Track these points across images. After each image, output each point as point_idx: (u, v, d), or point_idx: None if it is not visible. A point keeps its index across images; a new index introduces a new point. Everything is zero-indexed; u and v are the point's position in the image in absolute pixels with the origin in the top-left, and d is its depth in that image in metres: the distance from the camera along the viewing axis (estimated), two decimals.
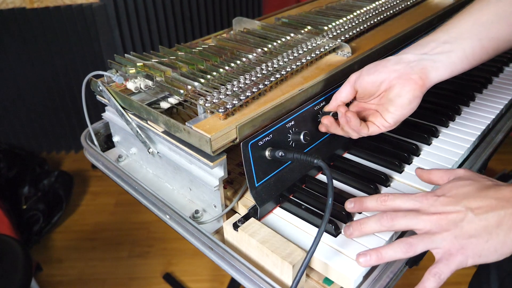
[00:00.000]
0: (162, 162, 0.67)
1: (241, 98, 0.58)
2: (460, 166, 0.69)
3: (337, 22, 0.86)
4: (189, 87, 0.62)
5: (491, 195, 0.47)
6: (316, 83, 0.66)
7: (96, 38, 1.88)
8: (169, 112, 0.70)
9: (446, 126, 0.76)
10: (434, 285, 0.47)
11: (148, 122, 0.64)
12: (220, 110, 0.56)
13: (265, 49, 0.74)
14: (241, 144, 0.55)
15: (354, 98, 0.65)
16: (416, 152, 0.69)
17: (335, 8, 0.99)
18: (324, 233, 0.54)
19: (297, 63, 0.68)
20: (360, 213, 0.58)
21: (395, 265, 0.52)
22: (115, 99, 0.67)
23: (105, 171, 0.73)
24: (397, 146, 0.70)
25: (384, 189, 0.62)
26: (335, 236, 0.54)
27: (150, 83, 0.66)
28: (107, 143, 0.82)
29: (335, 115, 0.64)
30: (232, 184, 0.65)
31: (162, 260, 1.69)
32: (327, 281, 0.52)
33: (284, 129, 0.60)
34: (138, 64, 0.69)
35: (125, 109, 0.67)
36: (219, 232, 0.61)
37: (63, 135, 2.18)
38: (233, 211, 0.63)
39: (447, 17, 0.97)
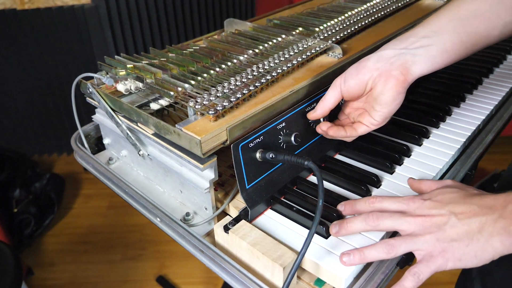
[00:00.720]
0: (153, 164, 0.67)
1: (232, 100, 0.58)
2: (450, 167, 0.69)
3: (329, 24, 0.86)
4: (180, 89, 0.61)
5: (475, 202, 0.48)
6: (307, 85, 0.66)
7: (88, 39, 1.87)
8: (160, 114, 0.70)
9: (437, 127, 0.76)
10: (413, 284, 0.48)
11: (138, 124, 0.63)
12: (210, 112, 0.55)
13: (256, 50, 0.74)
14: (231, 146, 0.55)
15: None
16: (407, 153, 0.69)
17: (326, 9, 0.99)
18: (315, 235, 0.54)
19: (288, 65, 0.68)
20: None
21: (386, 265, 0.52)
22: (105, 101, 0.66)
23: (96, 174, 0.72)
24: (388, 147, 0.70)
25: (375, 190, 0.62)
26: (326, 238, 0.54)
27: (140, 85, 0.66)
28: (98, 145, 0.81)
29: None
30: (223, 186, 0.65)
31: (155, 262, 1.69)
32: (319, 282, 0.52)
33: (275, 130, 0.60)
34: (128, 66, 0.68)
35: (115, 111, 0.66)
36: (210, 234, 0.61)
37: (55, 138, 2.16)
38: (224, 213, 0.62)
39: None
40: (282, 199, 0.61)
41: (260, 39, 0.79)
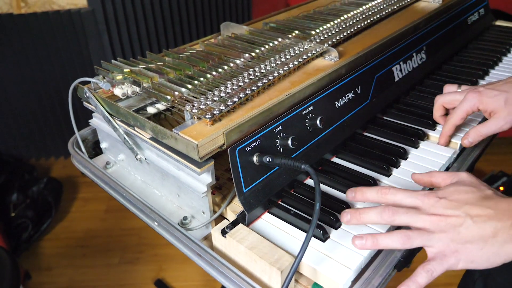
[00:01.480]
0: (150, 168, 0.67)
1: (228, 104, 0.58)
2: (447, 169, 0.70)
3: (325, 27, 0.86)
4: (176, 93, 0.61)
5: (491, 206, 0.49)
6: (303, 88, 0.66)
7: (85, 43, 1.86)
8: (157, 118, 0.70)
9: (434, 129, 0.77)
10: (425, 280, 0.49)
11: (135, 128, 0.63)
12: (207, 116, 0.55)
13: (253, 54, 0.74)
14: (228, 150, 0.55)
15: None
16: (404, 155, 0.69)
17: (322, 12, 0.99)
18: (313, 238, 0.54)
19: (285, 68, 0.68)
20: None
21: (384, 269, 0.52)
22: (102, 105, 0.66)
23: (93, 178, 0.72)
24: (385, 150, 0.70)
25: None
26: (324, 241, 0.54)
27: (137, 89, 0.66)
28: (95, 149, 0.81)
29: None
30: (220, 189, 0.65)
31: (153, 266, 1.68)
32: (316, 286, 0.52)
33: (272, 134, 0.60)
34: (125, 70, 0.68)
35: (112, 116, 0.66)
36: (207, 238, 0.61)
37: (52, 141, 2.16)
38: (221, 217, 0.62)
39: (433, 20, 0.98)
40: (280, 202, 0.61)
41: (257, 43, 0.80)
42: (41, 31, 1.82)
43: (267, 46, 0.77)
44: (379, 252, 0.54)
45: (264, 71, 0.68)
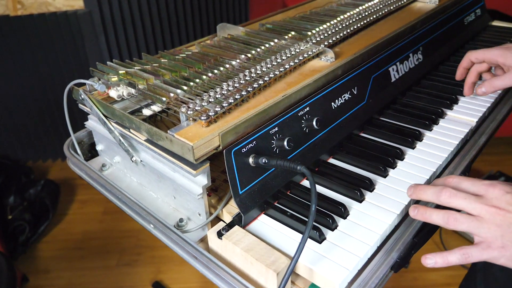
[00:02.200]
0: (146, 170, 0.66)
1: (224, 105, 0.58)
2: (444, 168, 0.69)
3: (321, 28, 0.86)
4: (172, 94, 0.61)
5: None
6: (299, 89, 0.66)
7: (81, 45, 1.86)
8: (153, 119, 0.70)
9: (430, 129, 0.77)
10: (457, 261, 0.50)
11: (131, 130, 0.63)
12: (202, 118, 0.55)
13: (249, 55, 0.74)
14: (224, 151, 0.54)
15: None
16: (401, 156, 0.69)
17: (319, 13, 0.99)
18: (309, 240, 0.54)
19: (281, 69, 0.68)
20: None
21: (380, 270, 0.52)
22: (97, 107, 0.66)
23: (89, 180, 0.72)
24: (382, 151, 0.70)
25: (368, 194, 0.62)
26: (320, 243, 0.54)
27: (133, 91, 0.66)
28: (91, 151, 0.81)
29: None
30: (216, 191, 0.65)
31: (151, 268, 1.68)
32: (313, 287, 0.52)
33: (268, 135, 0.60)
34: (120, 72, 0.68)
35: (108, 118, 0.66)
36: (204, 240, 0.60)
37: (50, 144, 2.15)
38: (218, 219, 0.62)
39: (430, 21, 0.98)
40: (276, 204, 0.61)
41: (253, 44, 0.79)
42: (38, 33, 1.82)
43: (263, 47, 0.77)
44: (376, 252, 0.54)
45: (260, 72, 0.67)
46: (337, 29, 0.86)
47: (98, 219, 1.92)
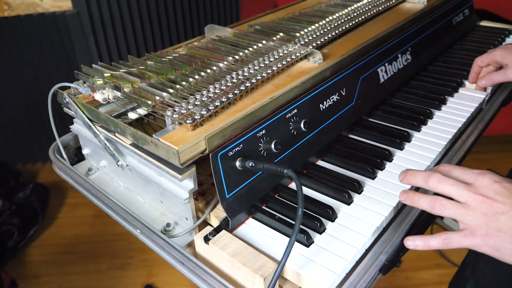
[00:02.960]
0: (132, 174, 0.66)
1: (210, 108, 0.57)
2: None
3: (309, 29, 0.86)
4: (157, 97, 0.60)
5: None
6: (287, 91, 0.66)
7: (70, 46, 1.84)
8: (140, 123, 0.69)
9: (419, 130, 0.77)
10: (437, 245, 0.51)
11: (116, 134, 0.62)
12: (188, 121, 0.54)
13: (236, 57, 0.73)
14: (210, 155, 0.54)
15: None
16: (389, 157, 0.69)
17: (308, 14, 0.99)
18: (297, 243, 0.54)
19: (268, 71, 0.68)
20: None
21: (369, 273, 0.52)
22: (82, 111, 0.65)
23: (75, 185, 0.71)
24: (370, 152, 0.70)
25: (357, 196, 0.62)
26: (308, 246, 0.53)
27: (118, 94, 0.65)
28: (78, 155, 0.80)
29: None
30: (204, 195, 0.64)
31: (143, 271, 1.66)
32: None
33: (255, 138, 0.59)
34: (105, 74, 0.67)
35: (93, 121, 0.65)
36: (191, 245, 0.60)
37: (39, 146, 2.13)
38: (206, 223, 0.61)
39: (418, 21, 0.99)
40: (264, 207, 0.60)
41: (241, 45, 0.79)
42: (25, 34, 1.79)
43: (251, 49, 0.77)
44: (364, 255, 0.54)
45: (247, 74, 0.67)
46: (325, 30, 0.85)
47: (88, 223, 1.90)
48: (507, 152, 2.20)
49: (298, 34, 0.83)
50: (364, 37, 0.85)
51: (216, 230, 0.55)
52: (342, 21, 0.90)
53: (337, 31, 0.85)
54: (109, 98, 0.65)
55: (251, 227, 0.57)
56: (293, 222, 0.56)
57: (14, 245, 1.71)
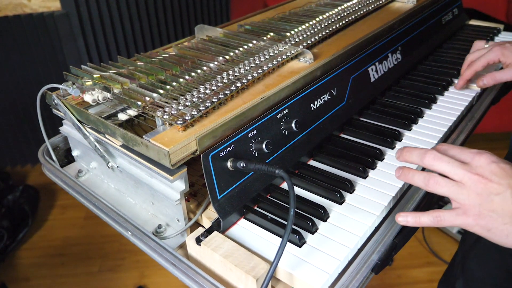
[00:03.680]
0: (123, 176, 0.65)
1: (201, 108, 0.57)
2: (424, 168, 0.70)
3: (300, 28, 0.86)
4: (147, 98, 0.60)
5: None
6: (278, 91, 0.66)
7: (59, 47, 1.82)
8: (130, 124, 0.68)
9: (409, 129, 0.77)
10: (428, 222, 0.50)
11: (106, 135, 0.61)
12: (178, 122, 0.54)
13: (227, 57, 0.73)
14: (201, 156, 0.53)
15: None
16: (380, 156, 0.69)
17: (298, 14, 0.99)
18: (289, 244, 0.54)
19: (259, 71, 0.68)
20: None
21: (361, 272, 0.52)
22: (71, 112, 0.64)
23: (65, 187, 0.70)
24: (362, 151, 0.70)
25: (349, 196, 0.62)
26: (300, 246, 0.53)
27: (108, 95, 0.64)
28: (67, 157, 0.79)
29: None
30: (195, 196, 0.64)
31: (135, 272, 1.65)
32: None
33: (246, 139, 0.59)
34: (95, 75, 0.66)
35: (82, 123, 0.64)
36: (183, 246, 0.59)
37: (28, 148, 2.10)
38: (197, 224, 0.61)
39: (408, 21, 0.99)
40: (256, 208, 0.60)
41: (231, 45, 0.78)
42: (13, 35, 1.77)
43: (241, 49, 0.76)
44: (356, 255, 0.54)
45: (238, 74, 0.67)
46: (316, 29, 0.85)
47: (79, 224, 1.88)
48: (495, 150, 2.22)
49: (288, 34, 0.83)
50: (354, 37, 0.85)
51: (208, 231, 0.55)
52: (332, 20, 0.91)
53: (327, 31, 0.85)
54: (98, 99, 0.65)
55: (243, 228, 0.57)
56: (285, 222, 0.56)
57: (4, 248, 1.69)
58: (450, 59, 1.02)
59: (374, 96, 0.85)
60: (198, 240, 0.53)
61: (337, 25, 0.88)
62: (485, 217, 0.47)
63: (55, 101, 0.66)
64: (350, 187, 0.62)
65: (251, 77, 0.66)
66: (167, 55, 0.76)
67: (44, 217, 1.92)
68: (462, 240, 0.96)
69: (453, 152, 0.52)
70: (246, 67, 0.68)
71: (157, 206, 0.62)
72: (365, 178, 0.65)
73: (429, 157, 0.51)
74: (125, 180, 0.65)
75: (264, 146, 0.59)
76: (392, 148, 0.72)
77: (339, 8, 0.98)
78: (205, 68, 0.69)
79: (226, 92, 0.61)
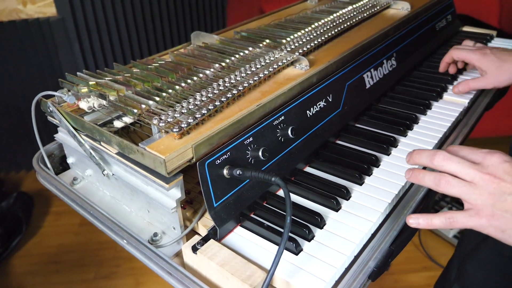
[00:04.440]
0: (119, 184, 0.65)
1: (197, 116, 0.57)
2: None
3: (295, 35, 0.86)
4: (143, 106, 0.60)
5: None
6: (274, 98, 0.66)
7: (55, 53, 1.82)
8: (126, 131, 0.68)
9: (405, 135, 0.77)
10: (441, 224, 0.49)
11: (101, 143, 0.61)
12: (174, 130, 0.54)
13: (223, 64, 0.73)
14: (197, 164, 0.53)
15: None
16: (376, 163, 0.69)
17: (293, 20, 0.99)
18: (286, 251, 0.53)
19: (255, 78, 0.68)
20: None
21: (358, 280, 0.52)
22: (66, 120, 0.64)
23: (59, 195, 0.69)
24: (357, 158, 0.70)
25: (345, 202, 0.62)
26: (297, 254, 0.53)
27: (103, 102, 0.64)
28: (62, 164, 0.78)
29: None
30: (192, 203, 0.63)
31: (130, 280, 1.64)
32: None
33: (242, 146, 0.59)
34: (90, 82, 0.66)
35: (77, 130, 0.64)
36: (179, 254, 0.59)
37: (23, 154, 2.09)
38: (194, 232, 0.61)
39: (403, 27, 1.00)
40: (252, 215, 0.60)
41: (227, 52, 0.79)
42: (8, 41, 1.77)
43: (237, 56, 0.76)
44: (353, 262, 0.54)
45: (234, 81, 0.67)
46: (311, 36, 0.86)
47: (74, 231, 1.87)
48: None
49: (284, 41, 0.83)
50: (350, 44, 0.86)
51: (204, 239, 0.54)
52: (328, 27, 0.91)
53: (323, 38, 0.85)
54: (94, 107, 0.64)
55: (240, 236, 0.57)
56: (282, 230, 0.56)
57: None
58: None
59: (369, 103, 0.85)
60: (195, 249, 0.53)
61: (333, 32, 0.89)
62: (498, 217, 0.46)
63: (50, 109, 0.65)
64: (346, 194, 0.62)
65: (247, 84, 0.66)
66: (163, 62, 0.76)
67: (38, 224, 1.91)
68: (458, 244, 0.96)
69: (464, 152, 0.51)
70: (242, 74, 0.69)
71: (153, 214, 0.61)
72: (361, 184, 0.65)
73: (439, 158, 0.50)
74: (120, 188, 0.65)
75: (260, 153, 0.59)
76: (388, 155, 0.72)
77: (335, 15, 0.99)
78: (201, 75, 0.69)
79: (222, 99, 0.61)
